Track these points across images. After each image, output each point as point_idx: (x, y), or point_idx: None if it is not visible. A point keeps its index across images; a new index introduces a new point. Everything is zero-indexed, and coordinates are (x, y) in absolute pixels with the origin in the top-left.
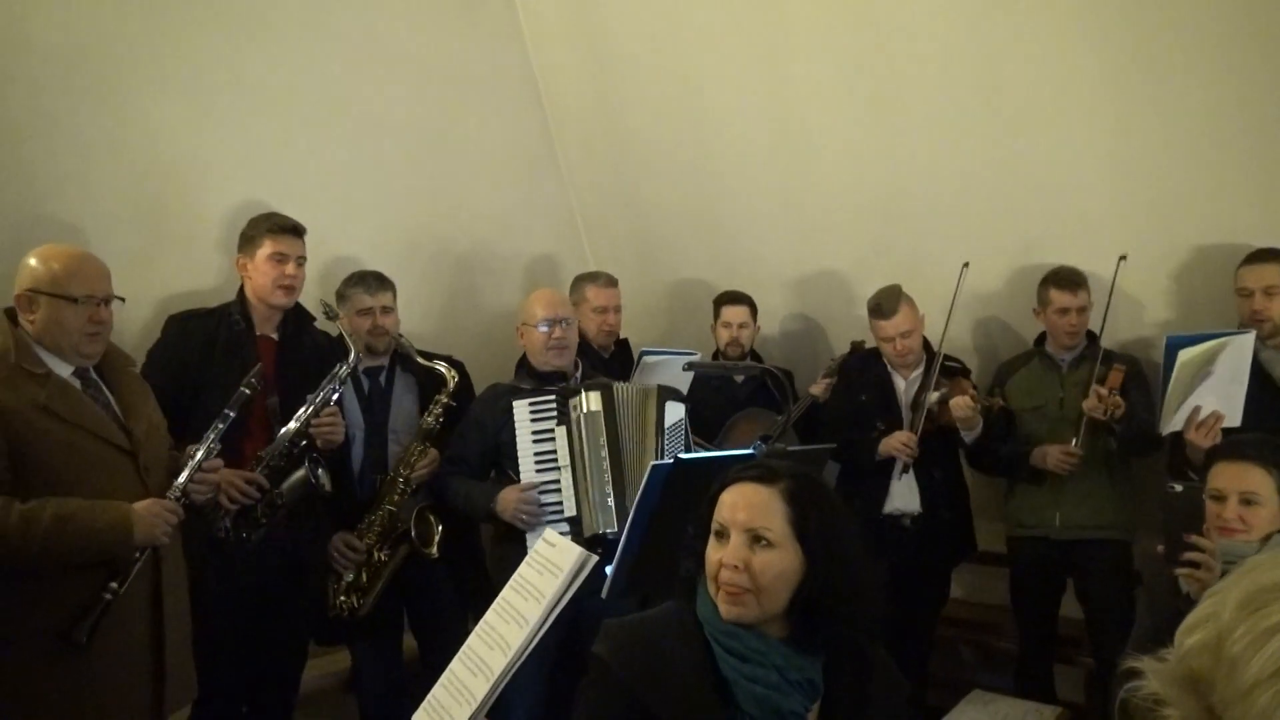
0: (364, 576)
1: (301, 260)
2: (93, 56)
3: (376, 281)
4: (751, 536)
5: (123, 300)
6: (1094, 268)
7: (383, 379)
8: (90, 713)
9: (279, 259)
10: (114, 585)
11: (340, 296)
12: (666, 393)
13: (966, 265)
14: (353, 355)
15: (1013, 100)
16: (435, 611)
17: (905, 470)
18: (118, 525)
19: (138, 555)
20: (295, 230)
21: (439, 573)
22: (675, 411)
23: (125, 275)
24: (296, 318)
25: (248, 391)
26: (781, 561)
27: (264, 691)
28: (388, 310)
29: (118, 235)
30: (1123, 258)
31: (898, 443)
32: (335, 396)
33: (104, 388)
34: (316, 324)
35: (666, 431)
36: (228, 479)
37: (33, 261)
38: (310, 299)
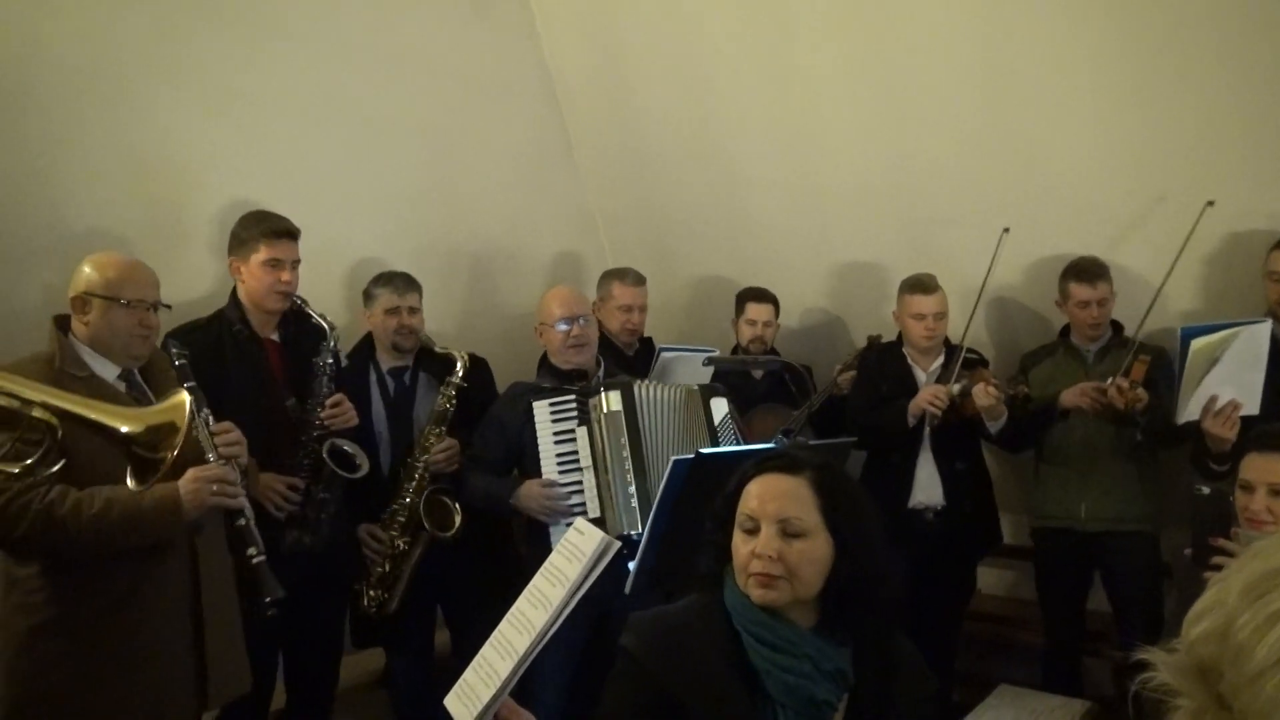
0: (388, 568)
1: (296, 264)
2: (104, 62)
3: (404, 282)
4: (783, 527)
5: (169, 307)
6: (1114, 257)
7: (407, 378)
8: (135, 709)
9: (274, 265)
10: (251, 551)
11: (367, 295)
12: (707, 391)
13: (1007, 230)
14: (331, 332)
15: (1030, 87)
16: (468, 606)
17: (934, 421)
18: (164, 500)
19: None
20: (291, 234)
21: (471, 567)
22: (720, 407)
23: None
24: (295, 317)
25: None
26: (814, 550)
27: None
28: (414, 311)
29: (132, 241)
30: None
31: (928, 395)
32: (329, 370)
33: (147, 390)
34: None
35: (718, 428)
36: (267, 483)
37: (87, 268)
38: (334, 300)
